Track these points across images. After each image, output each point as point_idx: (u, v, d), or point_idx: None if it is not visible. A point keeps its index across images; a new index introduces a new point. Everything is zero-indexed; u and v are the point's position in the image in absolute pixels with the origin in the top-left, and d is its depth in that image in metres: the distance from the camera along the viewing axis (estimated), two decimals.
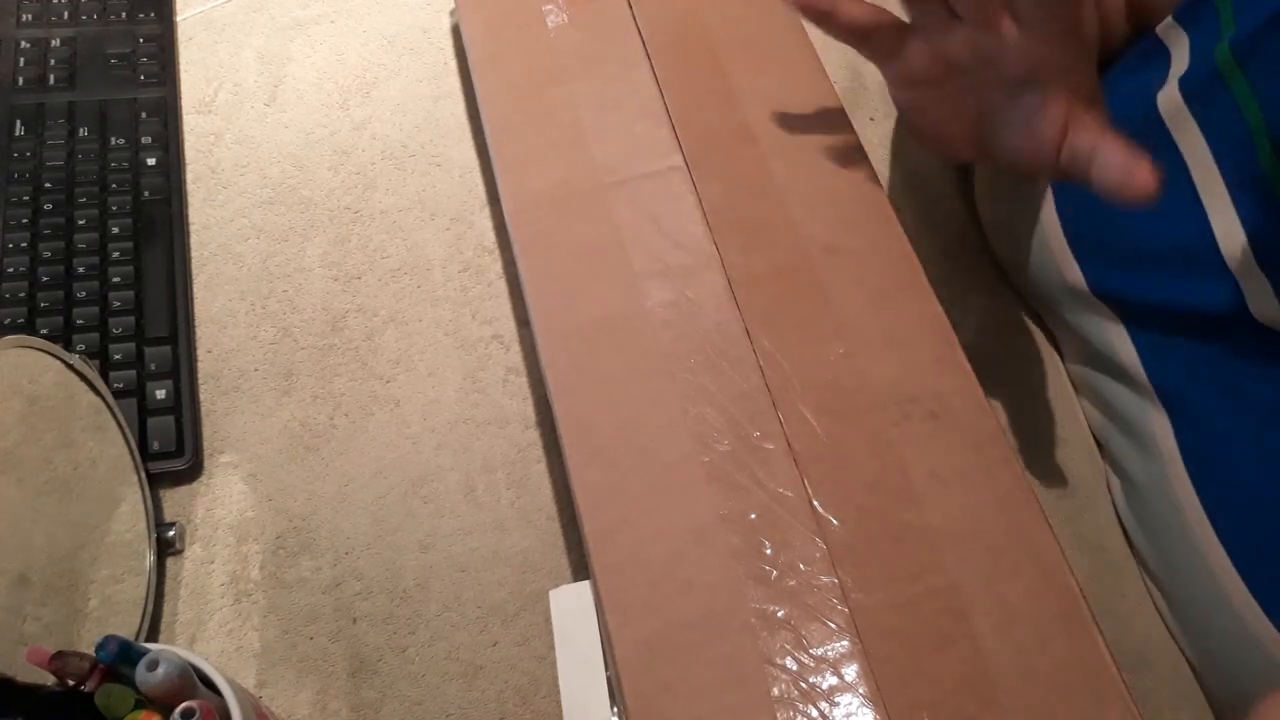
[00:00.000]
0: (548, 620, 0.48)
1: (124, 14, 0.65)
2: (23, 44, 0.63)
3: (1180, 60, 0.47)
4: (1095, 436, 0.56)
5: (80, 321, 0.54)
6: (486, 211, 0.61)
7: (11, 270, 0.55)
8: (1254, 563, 0.45)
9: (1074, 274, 0.53)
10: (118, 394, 0.51)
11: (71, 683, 0.35)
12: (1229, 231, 0.44)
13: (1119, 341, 0.52)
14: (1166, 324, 0.50)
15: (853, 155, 0.50)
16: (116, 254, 0.56)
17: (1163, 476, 0.49)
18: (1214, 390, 0.48)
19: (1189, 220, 0.46)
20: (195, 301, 0.57)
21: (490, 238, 0.60)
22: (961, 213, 0.63)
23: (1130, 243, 0.50)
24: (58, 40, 0.63)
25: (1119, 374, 0.53)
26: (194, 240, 0.59)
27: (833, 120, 0.51)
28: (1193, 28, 0.47)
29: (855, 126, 0.51)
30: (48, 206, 0.57)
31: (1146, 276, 0.49)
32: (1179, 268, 0.48)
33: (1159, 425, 0.50)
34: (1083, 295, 0.53)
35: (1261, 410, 0.46)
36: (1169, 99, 0.46)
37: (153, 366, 0.54)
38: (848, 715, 0.36)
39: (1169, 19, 0.47)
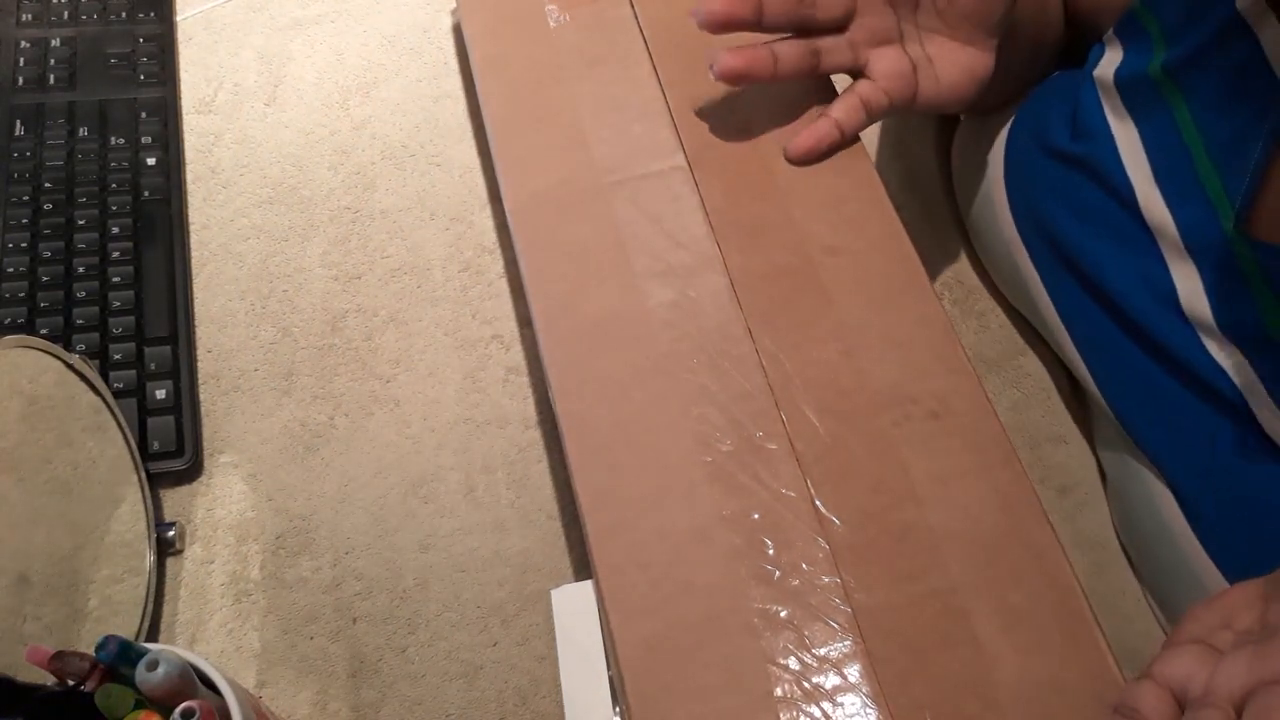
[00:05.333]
0: (548, 620, 0.48)
1: (124, 14, 0.65)
2: (23, 44, 0.63)
3: (1119, 72, 0.48)
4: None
5: (80, 321, 0.54)
6: (487, 211, 0.61)
7: (11, 270, 0.55)
8: (1239, 571, 0.45)
9: (1022, 254, 0.54)
10: (118, 394, 0.51)
11: (71, 683, 0.35)
12: (1160, 224, 0.45)
13: (1064, 339, 0.53)
14: (1101, 313, 0.50)
15: (853, 155, 0.49)
16: (116, 254, 0.56)
17: (1140, 479, 0.49)
18: (1158, 387, 0.48)
19: (1122, 203, 0.47)
20: (195, 301, 0.57)
21: (490, 237, 0.60)
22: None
23: (1066, 221, 0.51)
24: (58, 40, 0.63)
25: (1078, 376, 0.53)
26: (194, 240, 0.59)
27: None
28: (1128, 40, 0.48)
29: None
30: (48, 206, 0.57)
31: (1081, 248, 0.50)
32: (1112, 243, 0.48)
33: (1120, 431, 0.50)
34: (1032, 282, 0.54)
35: (1203, 404, 0.46)
36: (1113, 106, 0.48)
37: (153, 366, 0.53)
38: (850, 715, 0.36)
39: (1110, 33, 0.49)
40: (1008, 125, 0.56)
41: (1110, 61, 0.48)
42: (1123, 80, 0.47)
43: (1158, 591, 0.50)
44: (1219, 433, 0.45)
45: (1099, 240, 0.49)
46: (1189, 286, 0.44)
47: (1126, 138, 0.47)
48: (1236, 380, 0.43)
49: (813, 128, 0.47)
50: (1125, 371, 0.49)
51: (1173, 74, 0.44)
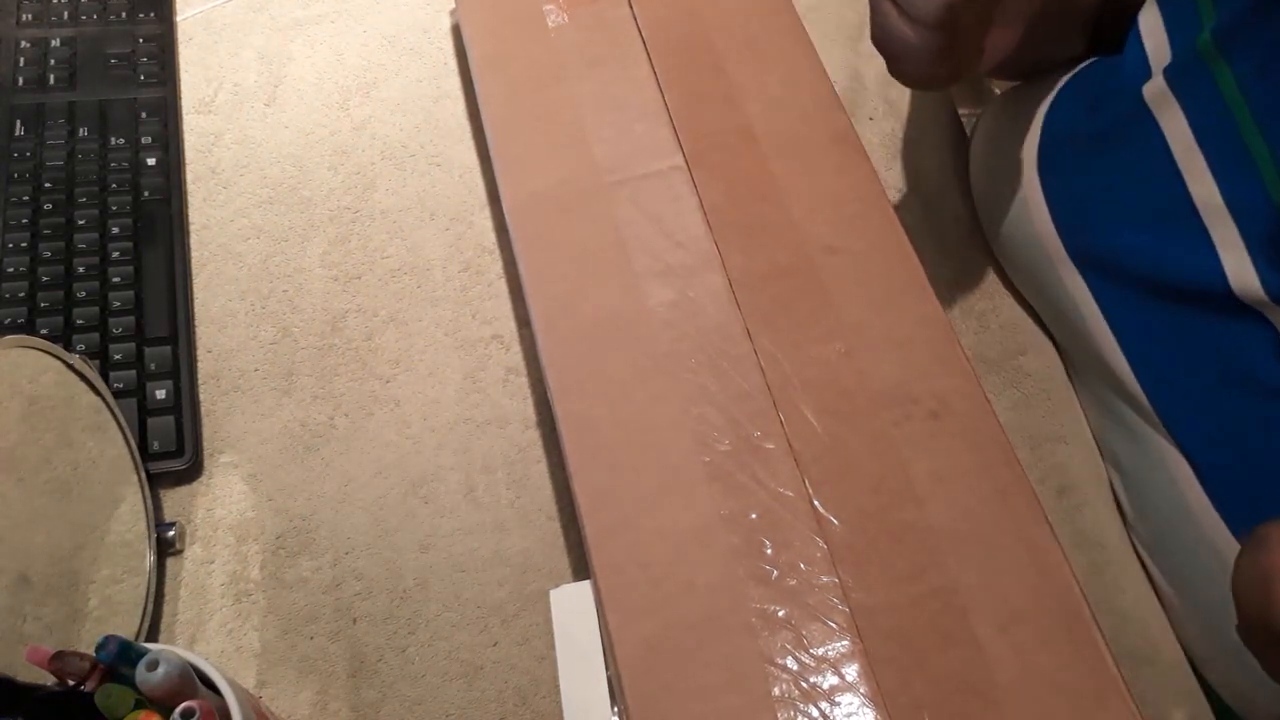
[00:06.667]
0: (548, 620, 0.48)
1: (124, 14, 0.65)
2: (23, 44, 0.63)
3: (1161, 51, 0.48)
4: (1093, 430, 0.56)
5: (80, 321, 0.54)
6: (486, 211, 0.61)
7: (11, 270, 0.55)
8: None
9: (1055, 245, 0.54)
10: (118, 394, 0.51)
11: (71, 683, 0.35)
12: (1207, 200, 0.45)
13: (1099, 330, 0.53)
14: (1143, 301, 0.50)
15: (853, 155, 0.50)
16: (116, 254, 0.56)
17: (1161, 464, 0.49)
18: (1198, 370, 0.48)
19: (1167, 184, 0.46)
20: (195, 301, 0.57)
21: (490, 238, 0.60)
22: (962, 212, 0.63)
23: (1107, 210, 0.51)
24: (58, 40, 0.63)
25: (1104, 367, 0.53)
26: (194, 240, 0.59)
27: (833, 120, 0.51)
28: (1172, 16, 0.47)
29: (855, 126, 0.51)
30: (48, 206, 0.57)
31: (1123, 235, 0.50)
32: (1158, 229, 0.48)
33: (1149, 416, 0.50)
34: (1067, 273, 0.54)
35: (1245, 388, 0.46)
36: (1155, 87, 0.47)
37: (153, 366, 0.53)
38: (848, 715, 0.36)
39: (1150, 3, 0.48)
40: (1039, 119, 0.56)
41: (1151, 35, 0.48)
42: (1167, 52, 0.47)
43: (1171, 573, 0.50)
44: (1253, 408, 0.45)
45: (1143, 226, 0.48)
46: (1236, 259, 0.44)
47: (1169, 113, 0.46)
48: None
49: None
50: (1160, 349, 0.49)
51: (1220, 41, 0.44)
